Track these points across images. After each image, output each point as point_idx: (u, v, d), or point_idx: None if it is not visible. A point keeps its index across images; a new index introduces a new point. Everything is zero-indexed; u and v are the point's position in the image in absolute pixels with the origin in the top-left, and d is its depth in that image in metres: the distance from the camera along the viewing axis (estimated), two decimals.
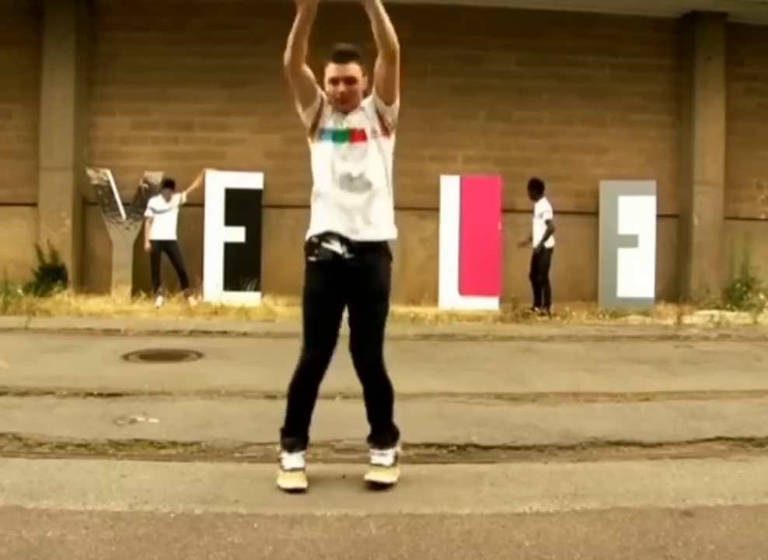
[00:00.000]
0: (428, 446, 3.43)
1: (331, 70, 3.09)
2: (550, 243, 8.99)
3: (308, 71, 3.18)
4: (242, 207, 9.67)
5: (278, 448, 3.17)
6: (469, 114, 10.31)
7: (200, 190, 9.68)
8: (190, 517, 2.70)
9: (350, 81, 3.06)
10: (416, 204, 10.07)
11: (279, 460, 3.12)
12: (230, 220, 9.75)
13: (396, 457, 3.18)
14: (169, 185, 9.47)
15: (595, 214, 10.21)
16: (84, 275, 10.09)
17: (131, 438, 3.68)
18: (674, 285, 10.43)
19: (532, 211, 9.26)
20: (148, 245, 9.39)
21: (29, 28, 9.90)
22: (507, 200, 9.94)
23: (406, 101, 11.24)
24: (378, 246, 3.06)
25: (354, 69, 3.07)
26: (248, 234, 9.75)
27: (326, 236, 3.00)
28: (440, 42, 10.15)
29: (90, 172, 9.88)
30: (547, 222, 8.89)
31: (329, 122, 3.11)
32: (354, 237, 2.99)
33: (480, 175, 10.02)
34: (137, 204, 9.81)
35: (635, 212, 9.95)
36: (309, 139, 3.18)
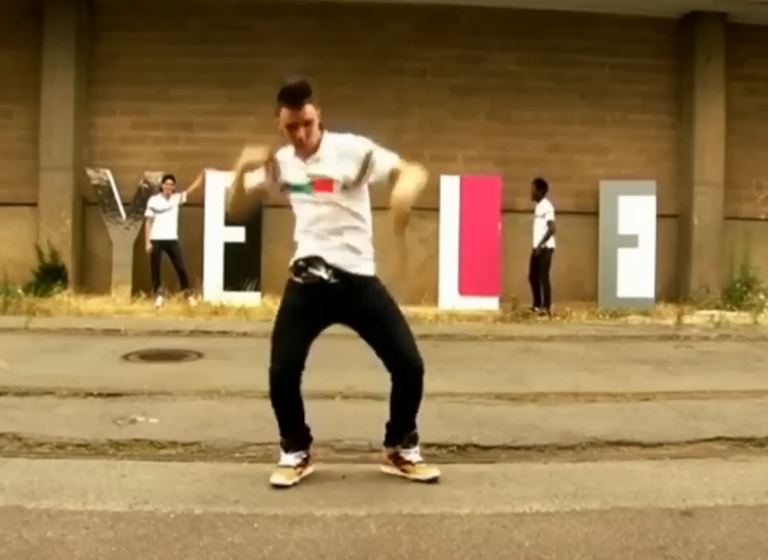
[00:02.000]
0: (428, 446, 3.42)
1: (286, 116, 2.96)
2: (551, 243, 9.00)
3: (253, 184, 3.29)
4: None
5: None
6: (469, 114, 10.31)
7: (201, 190, 9.67)
8: (190, 517, 2.70)
9: (308, 123, 2.98)
10: (416, 204, 10.05)
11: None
12: (230, 220, 9.74)
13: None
14: (168, 178, 9.47)
15: (595, 214, 10.21)
16: (84, 275, 10.09)
17: (131, 438, 3.68)
18: (674, 285, 10.43)
19: (532, 212, 9.27)
20: (149, 245, 9.39)
21: (29, 28, 9.89)
22: (507, 200, 9.94)
23: (407, 101, 11.31)
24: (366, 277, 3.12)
25: (309, 111, 2.96)
26: (248, 234, 9.74)
27: (313, 260, 3.04)
28: (440, 42, 10.15)
29: (90, 172, 9.88)
30: (549, 222, 8.89)
31: (289, 175, 3.14)
32: (339, 267, 3.04)
33: (480, 175, 10.02)
34: (137, 204, 9.80)
35: (635, 212, 9.95)
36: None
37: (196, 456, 3.50)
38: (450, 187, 9.82)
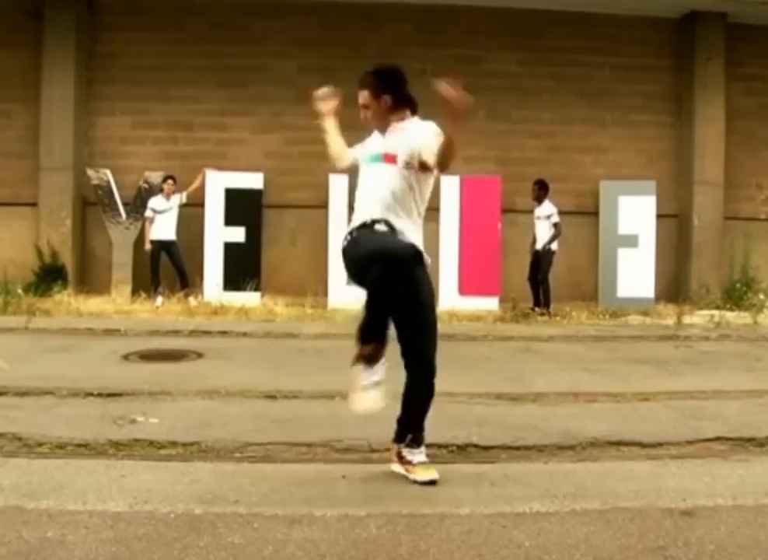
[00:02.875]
0: (428, 446, 3.41)
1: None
2: (554, 245, 9.00)
3: (350, 154, 3.45)
4: (242, 207, 9.67)
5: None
6: (469, 114, 10.30)
7: (201, 190, 9.68)
8: (190, 517, 2.70)
9: (364, 107, 3.25)
10: None
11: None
12: (230, 220, 9.75)
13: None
14: (169, 178, 9.47)
15: (595, 214, 10.21)
16: (84, 275, 10.09)
17: (131, 438, 3.68)
18: (674, 285, 10.43)
19: (531, 212, 9.26)
20: (148, 245, 9.40)
21: (29, 28, 9.90)
22: (507, 200, 9.93)
23: None
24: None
25: (363, 96, 3.24)
26: (248, 234, 9.74)
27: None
28: (440, 42, 10.15)
29: (90, 172, 9.88)
30: (556, 225, 8.90)
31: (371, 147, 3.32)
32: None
33: (480, 175, 10.02)
34: (137, 204, 9.80)
35: (635, 212, 9.95)
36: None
37: (196, 456, 3.50)
38: (450, 187, 9.81)
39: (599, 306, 9.58)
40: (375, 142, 3.30)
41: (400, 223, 3.10)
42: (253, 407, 4.28)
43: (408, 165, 3.12)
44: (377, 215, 3.08)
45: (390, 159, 3.15)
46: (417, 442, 3.21)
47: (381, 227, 3.06)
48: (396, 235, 3.07)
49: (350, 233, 3.13)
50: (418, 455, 3.20)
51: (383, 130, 3.27)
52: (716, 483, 3.17)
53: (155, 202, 9.45)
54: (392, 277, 2.88)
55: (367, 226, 3.08)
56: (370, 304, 2.97)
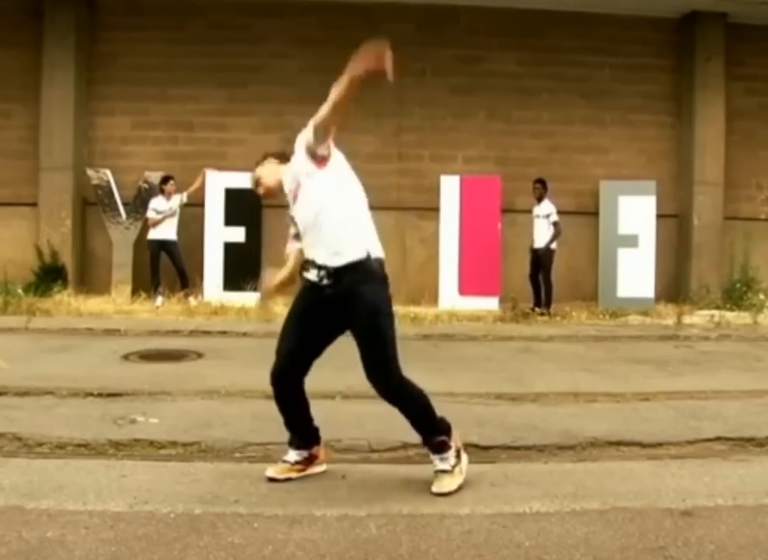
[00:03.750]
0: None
1: None
2: (554, 244, 9.00)
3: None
4: (242, 207, 9.66)
5: None
6: (469, 114, 10.31)
7: (201, 191, 9.67)
8: (190, 517, 2.70)
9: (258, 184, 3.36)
10: (416, 204, 10.08)
11: None
12: (230, 220, 9.75)
13: (458, 452, 3.10)
14: (167, 180, 9.47)
15: (595, 214, 10.21)
16: (84, 275, 10.09)
17: (131, 438, 3.68)
18: (674, 285, 10.43)
19: (531, 211, 9.27)
20: (149, 237, 9.38)
21: (29, 28, 9.90)
22: (507, 200, 9.94)
23: (407, 101, 11.33)
24: (355, 267, 2.96)
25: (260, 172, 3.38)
26: (248, 234, 9.74)
27: (306, 263, 3.08)
28: (440, 42, 10.15)
29: (90, 172, 9.88)
30: (555, 224, 8.90)
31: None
32: (329, 263, 2.99)
33: (480, 175, 10.02)
34: (137, 204, 9.81)
35: (635, 212, 9.95)
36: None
37: (196, 456, 3.50)
38: (450, 187, 9.82)
39: (599, 306, 9.58)
40: None
41: None
42: (253, 407, 4.28)
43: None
44: None
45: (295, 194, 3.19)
46: (434, 449, 3.07)
47: None
48: None
49: None
50: (440, 461, 3.04)
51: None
52: (716, 483, 3.17)
53: (157, 203, 9.45)
54: None
55: None
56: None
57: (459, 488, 3.03)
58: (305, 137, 3.02)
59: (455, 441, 3.10)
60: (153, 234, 9.40)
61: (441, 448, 3.05)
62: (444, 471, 3.04)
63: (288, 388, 3.12)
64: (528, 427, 3.97)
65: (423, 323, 8.18)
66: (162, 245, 9.41)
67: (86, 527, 2.59)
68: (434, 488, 3.01)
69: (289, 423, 3.21)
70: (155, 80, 10.04)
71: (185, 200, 9.55)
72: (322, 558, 2.40)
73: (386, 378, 2.99)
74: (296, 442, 3.21)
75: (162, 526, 2.61)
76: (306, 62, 9.89)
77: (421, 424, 3.07)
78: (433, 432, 3.06)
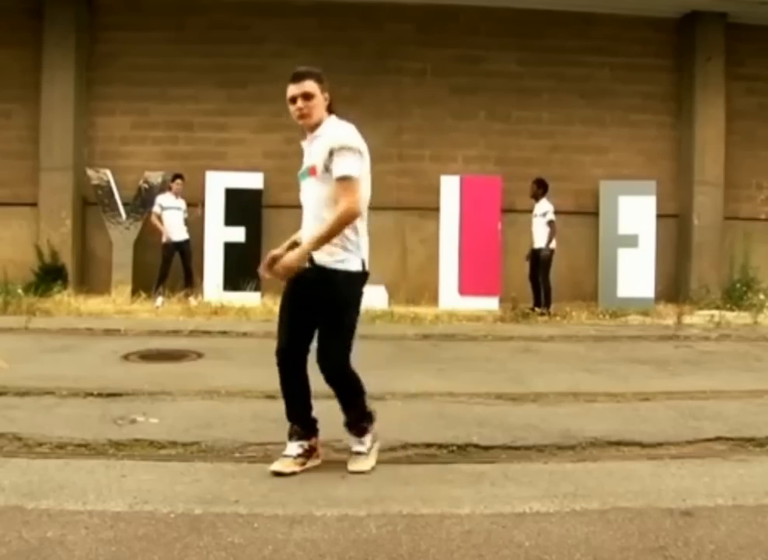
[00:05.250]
0: (428, 446, 3.42)
1: (289, 90, 3.18)
2: (553, 243, 8.99)
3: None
4: (242, 207, 9.67)
5: None
6: (469, 114, 10.31)
7: (200, 191, 9.70)
8: (190, 517, 2.70)
9: (306, 96, 3.14)
10: (416, 204, 10.08)
11: None
12: (230, 220, 9.76)
13: (374, 438, 3.35)
14: (176, 178, 9.46)
15: (595, 214, 10.21)
16: (84, 275, 10.09)
17: (131, 438, 3.68)
18: (674, 285, 10.43)
19: (530, 211, 9.26)
20: (166, 238, 9.35)
21: (29, 28, 9.90)
22: (507, 200, 9.94)
23: (407, 101, 11.34)
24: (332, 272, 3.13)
25: (309, 85, 3.15)
26: (248, 234, 9.75)
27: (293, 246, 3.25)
28: (440, 42, 10.16)
29: (90, 172, 9.88)
30: (551, 222, 8.89)
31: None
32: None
33: (480, 175, 10.02)
34: (137, 204, 9.82)
35: (635, 212, 9.96)
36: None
37: (196, 456, 3.50)
38: (450, 187, 9.82)
39: (599, 306, 9.58)
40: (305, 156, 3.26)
41: None
42: (253, 407, 4.28)
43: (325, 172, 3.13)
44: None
45: (312, 172, 3.16)
46: (353, 428, 3.32)
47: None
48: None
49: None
50: (357, 444, 3.31)
51: (313, 128, 3.18)
52: (716, 483, 3.17)
53: (164, 199, 9.42)
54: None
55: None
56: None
57: (373, 469, 3.24)
58: (335, 168, 3.07)
59: (373, 431, 3.34)
60: (168, 236, 9.37)
61: (362, 432, 3.29)
62: (360, 453, 3.29)
63: (293, 365, 3.23)
64: (528, 427, 3.97)
65: (423, 323, 8.18)
66: (178, 246, 9.41)
67: (86, 527, 2.59)
68: (351, 467, 3.23)
69: (292, 409, 3.28)
70: (155, 80, 10.04)
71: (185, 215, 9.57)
72: (322, 558, 2.39)
73: (338, 365, 3.20)
74: (297, 433, 3.25)
75: (162, 526, 2.61)
76: (306, 62, 9.80)
77: (353, 410, 3.29)
78: (360, 419, 3.30)
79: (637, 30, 10.48)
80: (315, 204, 3.15)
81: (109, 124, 10.18)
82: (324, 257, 3.10)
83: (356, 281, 3.18)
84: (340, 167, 3.04)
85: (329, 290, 3.11)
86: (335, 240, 3.08)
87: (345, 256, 3.12)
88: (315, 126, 3.17)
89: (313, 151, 3.17)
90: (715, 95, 10.35)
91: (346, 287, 3.15)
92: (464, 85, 10.30)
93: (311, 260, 3.10)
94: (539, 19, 10.31)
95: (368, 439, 3.30)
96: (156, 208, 9.41)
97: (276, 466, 3.20)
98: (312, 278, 3.11)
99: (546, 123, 10.43)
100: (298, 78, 3.16)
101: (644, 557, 2.44)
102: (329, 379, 3.20)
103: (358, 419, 3.29)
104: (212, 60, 10.03)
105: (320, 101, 3.16)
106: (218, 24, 10.11)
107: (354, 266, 3.15)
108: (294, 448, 3.24)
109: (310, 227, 3.17)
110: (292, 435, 3.26)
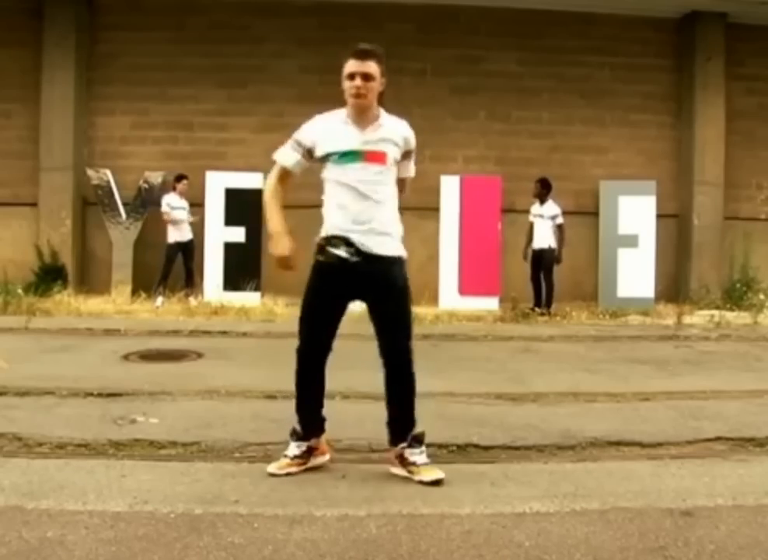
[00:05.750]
0: (428, 446, 3.41)
1: (350, 66, 3.11)
2: (553, 243, 8.97)
3: (292, 173, 3.34)
4: (242, 207, 9.66)
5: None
6: (469, 114, 10.31)
7: (201, 191, 9.69)
8: (190, 517, 2.70)
9: (366, 77, 3.08)
10: (416, 204, 10.04)
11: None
12: (230, 220, 9.76)
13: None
14: (181, 179, 9.45)
15: (595, 214, 10.21)
16: (84, 275, 10.09)
17: (131, 438, 3.67)
18: (674, 285, 10.43)
19: (529, 211, 9.25)
20: (170, 239, 9.32)
21: (29, 28, 9.90)
22: (507, 200, 9.94)
23: (407, 101, 11.35)
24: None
25: (372, 67, 3.09)
26: (248, 234, 9.75)
27: (332, 239, 3.16)
28: (440, 42, 10.16)
29: (90, 172, 9.88)
30: (560, 226, 8.90)
31: (339, 142, 3.13)
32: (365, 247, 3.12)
33: (480, 175, 10.02)
34: (137, 204, 9.82)
35: (635, 212, 9.96)
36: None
37: (196, 456, 3.50)
38: (450, 187, 9.82)
39: (599, 306, 9.58)
40: (342, 137, 3.12)
41: None
42: (253, 407, 4.29)
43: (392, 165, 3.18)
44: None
45: (374, 157, 3.11)
46: (417, 441, 3.19)
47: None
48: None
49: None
50: (420, 456, 3.18)
51: (364, 111, 3.12)
52: (716, 483, 3.17)
53: (170, 198, 9.37)
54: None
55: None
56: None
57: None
58: (409, 168, 3.33)
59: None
60: (174, 236, 9.35)
61: (422, 440, 3.20)
62: (428, 463, 3.18)
63: (323, 362, 3.18)
64: (528, 427, 3.97)
65: (423, 323, 8.17)
66: (182, 246, 9.40)
67: (86, 527, 2.59)
68: (428, 477, 3.11)
69: (306, 404, 3.22)
70: (155, 80, 10.04)
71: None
72: (322, 558, 2.39)
73: (411, 358, 3.17)
74: (296, 433, 3.22)
75: (162, 526, 2.61)
76: (306, 62, 9.90)
77: (411, 412, 3.21)
78: (413, 422, 3.21)
79: (637, 30, 10.48)
80: (371, 189, 3.10)
81: (109, 124, 10.17)
82: (388, 245, 3.13)
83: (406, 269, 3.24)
84: (412, 169, 3.35)
85: (396, 279, 3.13)
86: (398, 227, 3.20)
87: (400, 244, 3.22)
88: (367, 109, 3.12)
89: (371, 137, 3.11)
90: (715, 95, 10.35)
91: (406, 275, 3.19)
92: (464, 85, 10.30)
93: (359, 251, 3.07)
94: (539, 19, 10.31)
95: (424, 447, 3.22)
96: (165, 207, 9.36)
97: (271, 467, 3.19)
98: (370, 269, 3.09)
99: (546, 123, 10.43)
100: (362, 55, 3.09)
101: (644, 557, 2.44)
102: (402, 376, 3.15)
103: (412, 424, 3.20)
104: (212, 60, 10.02)
105: (378, 84, 3.12)
106: (217, 24, 10.11)
107: (405, 254, 3.24)
108: (293, 449, 3.22)
109: (362, 209, 3.09)
110: (292, 434, 3.24)
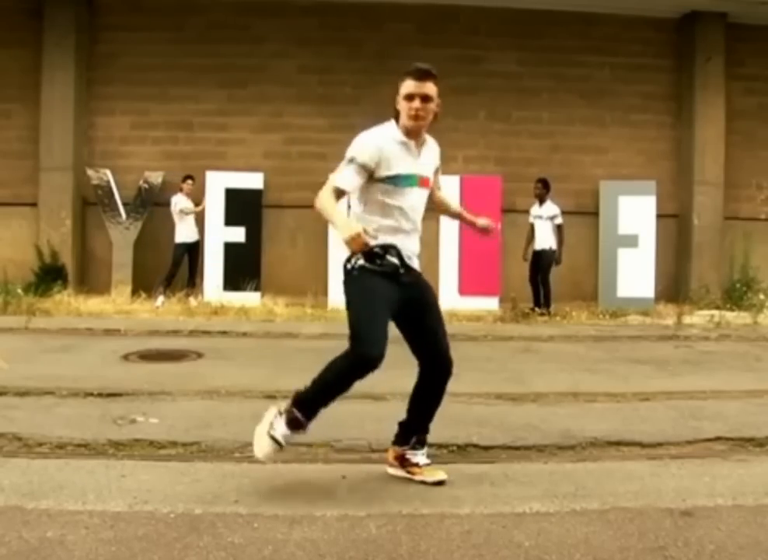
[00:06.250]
0: (428, 446, 3.41)
1: (409, 86, 3.08)
2: (553, 244, 8.97)
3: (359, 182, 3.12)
4: (242, 207, 9.67)
5: (281, 413, 3.04)
6: (469, 114, 10.31)
7: (201, 191, 9.69)
8: (190, 517, 2.70)
9: (426, 98, 3.07)
10: None
11: (271, 425, 3.00)
12: (230, 220, 9.76)
13: None
14: (187, 179, 9.44)
15: (595, 214, 10.21)
16: (84, 275, 10.09)
17: (131, 438, 3.68)
18: (674, 285, 10.43)
19: (529, 212, 9.25)
20: (181, 239, 9.31)
21: (29, 28, 9.90)
22: (507, 200, 9.94)
23: None
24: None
25: (431, 88, 3.10)
26: (248, 234, 9.75)
27: (389, 248, 3.09)
28: (440, 42, 10.15)
29: (90, 172, 9.88)
30: (560, 227, 8.90)
31: (400, 166, 3.07)
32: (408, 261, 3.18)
33: (480, 175, 10.02)
34: (137, 204, 9.82)
35: (635, 212, 9.96)
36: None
37: (196, 456, 3.50)
38: (450, 187, 9.80)
39: (599, 306, 9.58)
40: (401, 159, 3.07)
41: None
42: (253, 407, 4.27)
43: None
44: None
45: (425, 183, 3.20)
46: (422, 443, 3.19)
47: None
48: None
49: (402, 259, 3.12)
50: (422, 457, 3.18)
51: (418, 133, 3.12)
52: (716, 483, 3.17)
53: (179, 199, 9.36)
54: None
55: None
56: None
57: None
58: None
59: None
60: (182, 237, 9.35)
61: (425, 442, 3.22)
62: (429, 464, 3.19)
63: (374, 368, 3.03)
64: (528, 427, 3.97)
65: None
66: (188, 247, 9.40)
67: (86, 527, 2.59)
68: (432, 478, 3.12)
69: (326, 406, 3.05)
70: (155, 80, 10.04)
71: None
72: (322, 558, 2.39)
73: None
74: (299, 421, 3.00)
75: (162, 526, 2.61)
76: (306, 62, 9.90)
77: (433, 416, 3.21)
78: (428, 427, 3.25)
79: (637, 30, 10.48)
80: (419, 214, 3.22)
81: (109, 124, 10.17)
82: (416, 264, 3.24)
83: None
84: (440, 182, 3.49)
85: (432, 291, 3.31)
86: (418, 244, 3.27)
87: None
88: (422, 131, 3.15)
89: (424, 161, 3.17)
90: (715, 95, 10.35)
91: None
92: (464, 85, 10.28)
93: (408, 266, 3.15)
94: (539, 19, 10.31)
95: (425, 449, 3.23)
96: (174, 207, 9.35)
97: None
98: (414, 281, 3.19)
99: (546, 123, 10.43)
100: (422, 76, 3.07)
101: (644, 557, 2.44)
102: (443, 386, 3.15)
103: (427, 431, 3.21)
104: (212, 60, 10.02)
105: (435, 106, 3.13)
106: (217, 24, 10.11)
107: None
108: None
109: (411, 236, 3.18)
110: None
